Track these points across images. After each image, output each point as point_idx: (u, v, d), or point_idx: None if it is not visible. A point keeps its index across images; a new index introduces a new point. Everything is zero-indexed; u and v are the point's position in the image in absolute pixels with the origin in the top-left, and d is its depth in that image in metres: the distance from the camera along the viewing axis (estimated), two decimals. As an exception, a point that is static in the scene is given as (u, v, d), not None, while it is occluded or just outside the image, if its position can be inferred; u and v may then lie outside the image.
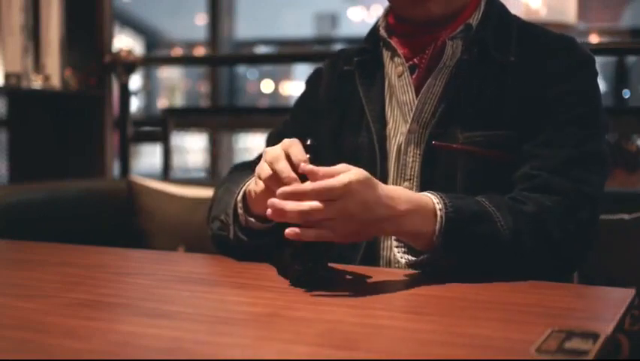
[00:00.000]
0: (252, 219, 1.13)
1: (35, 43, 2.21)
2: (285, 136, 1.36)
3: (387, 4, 1.29)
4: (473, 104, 1.18)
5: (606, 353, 0.70)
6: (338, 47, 2.08)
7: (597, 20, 4.93)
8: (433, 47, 1.21)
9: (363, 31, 1.44)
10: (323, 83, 1.36)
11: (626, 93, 4.00)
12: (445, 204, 1.01)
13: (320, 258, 0.99)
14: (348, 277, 1.03)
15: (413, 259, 1.04)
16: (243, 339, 0.74)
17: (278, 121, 1.45)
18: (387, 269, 1.14)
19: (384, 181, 1.19)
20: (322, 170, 0.96)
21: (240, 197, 1.14)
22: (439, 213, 1.01)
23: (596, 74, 1.20)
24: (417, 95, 1.21)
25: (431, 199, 1.02)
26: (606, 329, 0.75)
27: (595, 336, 0.70)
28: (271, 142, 1.40)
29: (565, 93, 1.17)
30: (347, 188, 0.94)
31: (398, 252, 1.05)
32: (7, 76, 2.14)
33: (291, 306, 0.90)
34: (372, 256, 1.21)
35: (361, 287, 0.98)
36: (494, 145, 1.16)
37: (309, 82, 1.41)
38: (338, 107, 1.31)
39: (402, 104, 1.23)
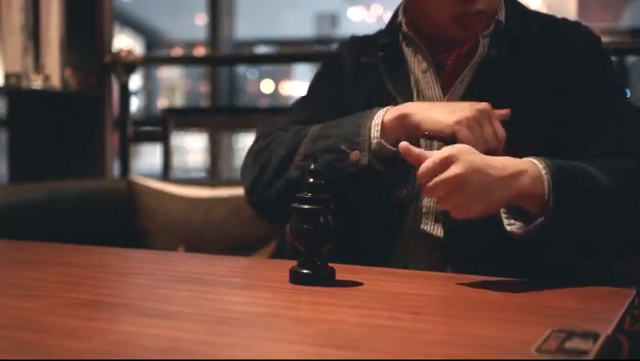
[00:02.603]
0: (386, 144, 1.15)
1: (35, 43, 2.21)
2: (306, 115, 1.33)
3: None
4: (502, 98, 1.19)
5: (606, 353, 0.70)
6: (338, 47, 2.06)
7: (597, 20, 4.92)
8: (467, 46, 1.23)
9: (363, 31, 1.44)
10: (348, 69, 1.35)
11: (627, 93, 4.00)
12: (547, 164, 1.03)
13: (321, 258, 0.99)
14: (348, 277, 1.02)
15: (522, 230, 1.03)
16: (243, 339, 0.74)
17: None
18: (387, 269, 1.13)
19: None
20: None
21: (374, 123, 1.16)
22: (543, 171, 1.02)
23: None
24: (443, 90, 1.23)
25: (532, 161, 1.04)
26: (606, 329, 0.75)
27: (595, 336, 0.70)
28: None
29: (594, 74, 1.22)
30: (451, 155, 0.97)
31: (508, 225, 1.05)
32: (7, 76, 2.13)
33: (291, 306, 0.90)
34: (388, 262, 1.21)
35: (361, 287, 0.98)
36: (527, 138, 1.16)
37: (332, 64, 1.39)
38: (362, 99, 1.30)
39: (428, 99, 1.24)
